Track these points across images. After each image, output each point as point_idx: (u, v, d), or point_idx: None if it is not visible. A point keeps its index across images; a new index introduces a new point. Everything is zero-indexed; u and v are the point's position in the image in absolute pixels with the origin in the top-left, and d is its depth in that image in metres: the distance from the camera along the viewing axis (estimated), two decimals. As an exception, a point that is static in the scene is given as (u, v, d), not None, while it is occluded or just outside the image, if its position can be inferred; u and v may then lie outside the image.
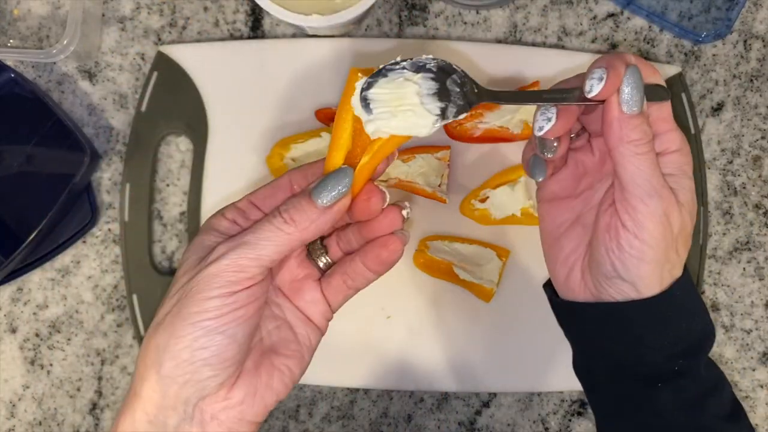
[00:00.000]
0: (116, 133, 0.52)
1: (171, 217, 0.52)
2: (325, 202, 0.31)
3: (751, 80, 0.52)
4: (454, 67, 0.33)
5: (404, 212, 0.34)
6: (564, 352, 0.50)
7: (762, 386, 0.52)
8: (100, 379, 0.52)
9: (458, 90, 0.32)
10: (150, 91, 0.51)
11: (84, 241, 0.52)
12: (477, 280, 0.48)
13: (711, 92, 0.52)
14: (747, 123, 0.52)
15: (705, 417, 0.34)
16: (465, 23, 0.52)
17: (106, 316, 0.52)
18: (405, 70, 0.32)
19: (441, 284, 0.50)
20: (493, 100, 0.34)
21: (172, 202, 0.52)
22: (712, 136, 0.52)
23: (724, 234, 0.52)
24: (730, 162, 0.52)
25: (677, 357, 0.34)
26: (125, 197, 0.51)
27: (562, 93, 0.34)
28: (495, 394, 0.52)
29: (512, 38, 0.52)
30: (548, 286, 0.39)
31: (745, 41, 0.52)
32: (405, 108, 0.31)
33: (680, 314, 0.34)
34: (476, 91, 0.33)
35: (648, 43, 0.52)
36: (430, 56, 0.33)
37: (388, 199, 0.34)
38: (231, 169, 0.50)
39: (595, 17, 0.52)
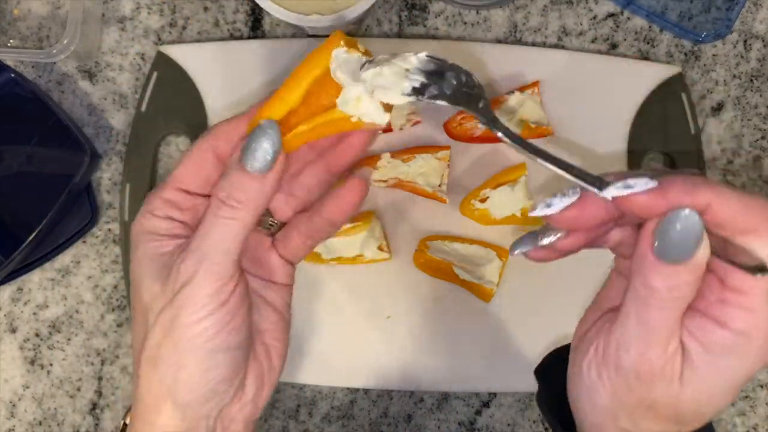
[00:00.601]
0: (116, 133, 0.52)
1: (171, 217, 0.52)
2: (259, 167, 0.29)
3: (751, 80, 0.52)
4: (468, 71, 0.31)
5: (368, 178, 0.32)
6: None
7: (762, 386, 0.52)
8: (100, 379, 0.52)
9: (454, 83, 0.30)
10: (150, 91, 0.51)
11: (84, 241, 0.52)
12: (477, 280, 0.48)
13: (711, 92, 0.52)
14: (747, 123, 0.52)
15: None
16: (465, 23, 0.52)
17: (106, 316, 0.52)
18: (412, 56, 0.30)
19: (441, 284, 0.50)
20: (492, 126, 0.30)
21: (172, 202, 0.52)
22: (712, 136, 0.52)
23: (724, 234, 0.52)
24: (731, 162, 0.52)
25: None
26: (125, 197, 0.51)
27: (579, 172, 0.27)
28: (495, 394, 0.52)
29: (512, 38, 0.52)
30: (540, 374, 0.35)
31: (745, 41, 0.52)
32: (392, 72, 0.30)
33: None
34: (479, 98, 0.30)
35: (648, 43, 0.52)
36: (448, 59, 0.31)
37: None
38: (231, 169, 0.50)
39: (595, 17, 0.52)
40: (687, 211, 0.24)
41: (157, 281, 0.30)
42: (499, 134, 0.29)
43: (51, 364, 0.52)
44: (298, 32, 0.52)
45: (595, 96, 0.50)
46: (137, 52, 0.52)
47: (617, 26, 0.52)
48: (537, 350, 0.50)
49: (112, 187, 0.52)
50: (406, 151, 0.49)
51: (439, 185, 0.49)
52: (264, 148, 0.29)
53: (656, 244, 0.25)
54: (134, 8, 0.52)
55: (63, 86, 0.52)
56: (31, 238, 0.47)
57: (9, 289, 0.52)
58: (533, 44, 0.52)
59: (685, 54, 0.52)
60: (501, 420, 0.52)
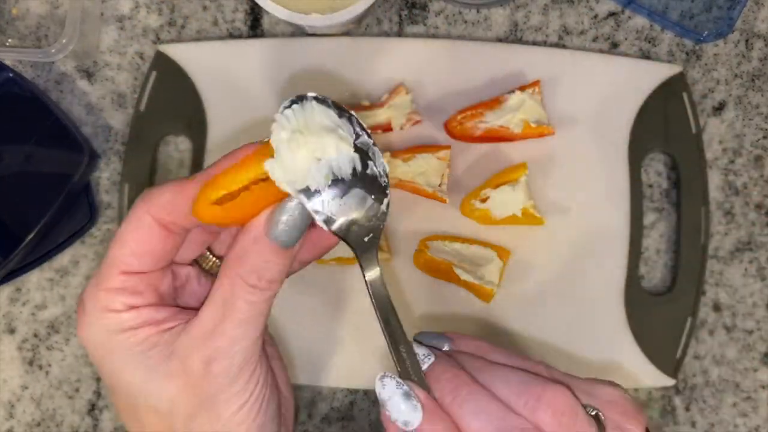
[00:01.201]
0: (115, 132, 0.52)
1: (170, 217, 0.52)
2: (289, 241, 0.26)
3: (753, 80, 0.52)
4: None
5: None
6: (564, 352, 0.50)
7: (764, 387, 0.51)
8: (98, 379, 0.52)
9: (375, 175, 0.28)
10: (149, 91, 0.51)
11: (83, 242, 0.52)
12: (477, 281, 0.48)
13: (712, 92, 0.52)
14: (749, 122, 0.52)
15: None
16: (465, 22, 0.52)
17: (104, 316, 0.52)
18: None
19: (441, 284, 0.49)
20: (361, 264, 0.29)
21: (171, 202, 0.52)
22: (714, 136, 0.52)
23: (726, 234, 0.52)
24: (732, 162, 0.52)
25: None
26: (124, 197, 0.51)
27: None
28: (495, 395, 0.51)
29: (513, 37, 0.52)
30: None
31: (746, 40, 0.52)
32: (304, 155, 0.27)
33: None
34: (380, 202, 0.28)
35: (649, 42, 0.52)
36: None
37: None
38: (230, 169, 0.50)
39: (596, 16, 0.52)
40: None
41: (161, 380, 0.27)
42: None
43: (49, 365, 0.52)
44: (297, 31, 0.52)
45: (596, 95, 0.50)
46: (136, 52, 0.52)
47: (618, 25, 0.52)
48: (537, 350, 0.49)
49: (111, 187, 0.52)
50: (406, 151, 0.49)
51: (439, 185, 0.49)
52: (295, 222, 0.27)
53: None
54: (133, 7, 0.52)
55: (62, 86, 0.52)
56: (29, 238, 0.47)
57: (7, 289, 0.52)
58: (534, 43, 0.52)
59: (687, 53, 0.52)
60: (501, 421, 0.52)
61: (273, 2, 0.44)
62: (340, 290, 0.50)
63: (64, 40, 0.48)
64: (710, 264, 0.51)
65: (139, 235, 0.27)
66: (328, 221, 0.27)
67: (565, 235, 0.50)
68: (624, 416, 0.29)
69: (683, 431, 0.51)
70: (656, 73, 0.50)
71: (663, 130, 0.50)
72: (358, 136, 0.29)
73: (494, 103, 0.48)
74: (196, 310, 0.28)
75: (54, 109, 0.49)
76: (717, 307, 0.52)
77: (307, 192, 0.26)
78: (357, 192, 0.28)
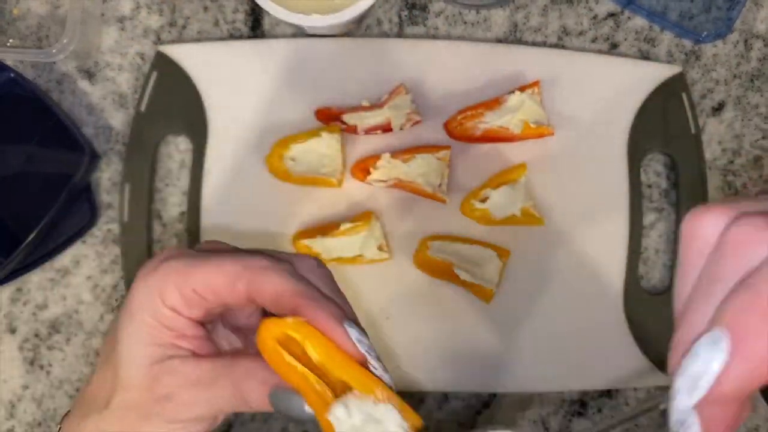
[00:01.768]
0: (116, 133, 0.52)
1: (170, 217, 0.52)
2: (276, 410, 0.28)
3: (752, 80, 0.52)
4: None
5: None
6: (564, 352, 0.50)
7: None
8: (99, 379, 0.52)
9: None
10: (149, 91, 0.51)
11: (83, 241, 0.52)
12: (477, 281, 0.48)
13: (712, 92, 0.52)
14: (748, 123, 0.52)
15: None
16: (465, 23, 0.52)
17: (105, 316, 0.52)
18: None
19: (441, 284, 0.50)
20: None
21: (172, 202, 0.52)
22: (713, 136, 0.52)
23: (725, 234, 0.52)
24: (731, 162, 0.52)
25: None
26: (125, 197, 0.51)
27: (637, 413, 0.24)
28: (495, 395, 0.52)
29: (512, 38, 0.52)
30: None
31: (745, 41, 0.52)
32: None
33: None
34: None
35: (648, 42, 0.52)
36: None
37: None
38: (231, 169, 0.50)
39: (595, 17, 0.52)
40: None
41: (147, 366, 0.29)
42: None
43: (50, 365, 0.52)
44: (297, 32, 0.52)
45: (596, 96, 0.50)
46: (137, 52, 0.52)
47: (617, 26, 0.52)
48: (537, 350, 0.50)
49: (112, 187, 0.52)
50: (406, 151, 0.49)
51: (439, 185, 0.49)
52: (288, 412, 0.28)
53: None
54: (134, 8, 0.52)
55: (62, 86, 0.52)
56: (30, 238, 0.47)
57: (8, 289, 0.52)
58: (533, 44, 0.52)
59: (686, 54, 0.52)
60: (501, 420, 0.52)
61: (273, 3, 0.44)
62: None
63: (65, 41, 0.48)
64: (709, 264, 0.51)
65: (225, 284, 0.28)
66: None
67: (564, 235, 0.50)
68: None
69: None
70: (655, 73, 0.51)
71: (662, 130, 0.50)
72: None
73: (494, 103, 0.48)
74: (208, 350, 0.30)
75: (55, 109, 0.49)
76: (716, 307, 0.52)
77: None
78: None
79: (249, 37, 0.52)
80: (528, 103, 0.48)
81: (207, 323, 0.31)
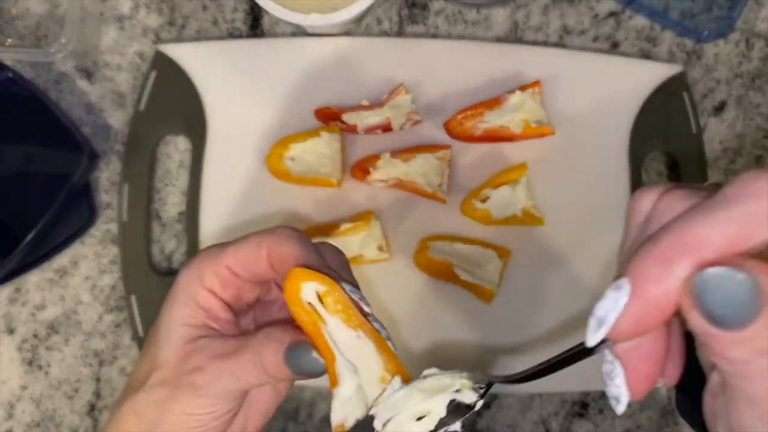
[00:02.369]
0: (115, 132, 0.52)
1: (169, 217, 0.52)
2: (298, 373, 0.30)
3: (753, 79, 0.52)
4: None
5: None
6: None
7: (764, 387, 0.51)
8: (98, 380, 0.52)
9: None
10: (148, 91, 0.50)
11: (82, 242, 0.52)
12: (477, 281, 0.48)
13: (713, 91, 0.52)
14: (749, 123, 0.52)
15: None
16: (465, 22, 0.52)
17: (104, 316, 0.52)
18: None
19: (441, 284, 0.49)
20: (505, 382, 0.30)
21: (171, 202, 0.52)
22: (714, 136, 0.52)
23: (726, 234, 0.52)
24: (732, 162, 0.52)
25: None
26: (124, 197, 0.51)
27: (561, 359, 0.27)
28: (496, 395, 0.51)
29: (513, 37, 0.52)
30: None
31: (747, 40, 0.52)
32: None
33: None
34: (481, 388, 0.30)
35: (649, 42, 0.52)
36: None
37: None
38: (230, 169, 0.50)
39: (596, 16, 0.52)
40: (714, 272, 0.20)
41: (181, 345, 0.31)
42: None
43: (49, 365, 0.52)
44: (297, 31, 0.52)
45: (597, 95, 0.50)
46: (136, 51, 0.52)
47: (618, 25, 0.52)
48: (537, 351, 0.49)
49: (111, 187, 0.52)
50: (406, 151, 0.49)
51: (439, 185, 0.49)
52: (307, 370, 0.30)
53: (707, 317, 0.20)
54: (133, 7, 0.52)
55: (61, 85, 0.52)
56: (29, 238, 0.47)
57: (7, 289, 0.52)
58: (534, 43, 0.52)
59: (687, 53, 0.52)
60: (502, 421, 0.52)
61: (273, 2, 0.44)
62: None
63: (63, 40, 0.48)
64: (711, 264, 0.51)
65: (251, 254, 0.30)
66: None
67: (565, 235, 0.50)
68: None
69: (684, 432, 0.51)
70: (656, 72, 0.50)
71: (663, 130, 0.50)
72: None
73: (494, 103, 0.48)
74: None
75: (54, 108, 0.49)
76: (717, 308, 0.52)
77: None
78: None
79: (248, 37, 0.52)
80: (528, 102, 0.48)
81: (238, 310, 0.33)
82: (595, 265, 0.50)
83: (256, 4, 0.44)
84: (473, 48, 0.50)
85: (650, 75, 0.50)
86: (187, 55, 0.50)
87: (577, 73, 0.50)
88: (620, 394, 0.24)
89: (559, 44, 0.52)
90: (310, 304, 0.28)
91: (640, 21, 0.52)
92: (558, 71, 0.50)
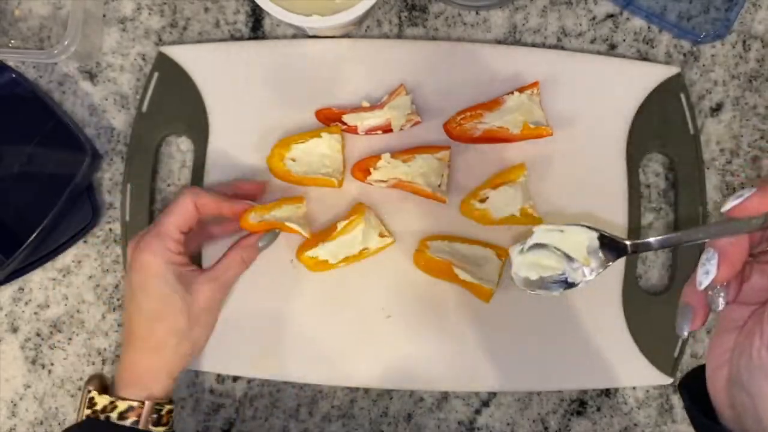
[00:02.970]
0: (117, 133, 0.53)
1: (172, 217, 0.52)
2: (263, 249, 0.47)
3: (750, 81, 0.52)
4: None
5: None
6: (563, 352, 0.50)
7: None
8: (101, 378, 0.52)
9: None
10: (151, 92, 0.51)
11: (85, 241, 0.52)
12: (477, 280, 0.48)
13: (710, 92, 0.52)
14: (746, 123, 0.52)
15: None
16: (465, 24, 0.52)
17: (107, 315, 0.52)
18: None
19: (441, 284, 0.50)
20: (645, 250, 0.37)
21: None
22: (711, 137, 0.52)
23: (723, 234, 0.52)
24: (729, 162, 0.52)
25: None
26: (126, 197, 0.51)
27: (729, 226, 0.31)
28: (495, 394, 0.52)
29: (512, 39, 0.52)
30: (685, 388, 0.36)
31: (744, 42, 0.52)
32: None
33: None
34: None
35: (647, 43, 0.52)
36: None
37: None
38: (231, 170, 0.51)
39: (594, 18, 0.52)
40: None
41: (183, 294, 0.44)
42: None
43: (52, 364, 0.52)
44: (298, 33, 0.52)
45: (595, 96, 0.50)
46: (138, 53, 0.52)
47: (616, 27, 0.52)
48: (537, 350, 0.50)
49: (113, 187, 0.52)
50: (406, 152, 0.49)
51: (439, 185, 0.49)
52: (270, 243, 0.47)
53: None
54: (135, 9, 0.52)
55: (64, 87, 0.52)
56: (32, 237, 0.47)
57: (10, 288, 0.52)
58: (533, 45, 0.52)
59: (684, 54, 0.52)
60: (501, 419, 0.52)
61: (274, 4, 0.44)
62: (339, 291, 0.50)
63: (66, 42, 0.48)
64: (708, 264, 0.52)
65: (186, 212, 0.44)
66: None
67: (563, 235, 0.50)
68: None
69: (681, 429, 0.52)
70: (654, 74, 0.51)
71: (661, 131, 0.51)
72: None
73: (493, 104, 0.49)
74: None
75: (56, 110, 0.49)
76: (714, 307, 0.52)
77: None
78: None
79: (250, 38, 0.53)
80: (527, 103, 0.48)
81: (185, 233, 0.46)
82: (593, 265, 0.50)
83: (258, 6, 0.45)
84: (472, 50, 0.51)
85: (648, 76, 0.51)
86: (189, 56, 0.51)
87: (575, 75, 0.50)
88: (710, 271, 0.31)
89: (558, 46, 0.52)
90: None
91: (638, 23, 0.52)
92: (556, 73, 0.50)
